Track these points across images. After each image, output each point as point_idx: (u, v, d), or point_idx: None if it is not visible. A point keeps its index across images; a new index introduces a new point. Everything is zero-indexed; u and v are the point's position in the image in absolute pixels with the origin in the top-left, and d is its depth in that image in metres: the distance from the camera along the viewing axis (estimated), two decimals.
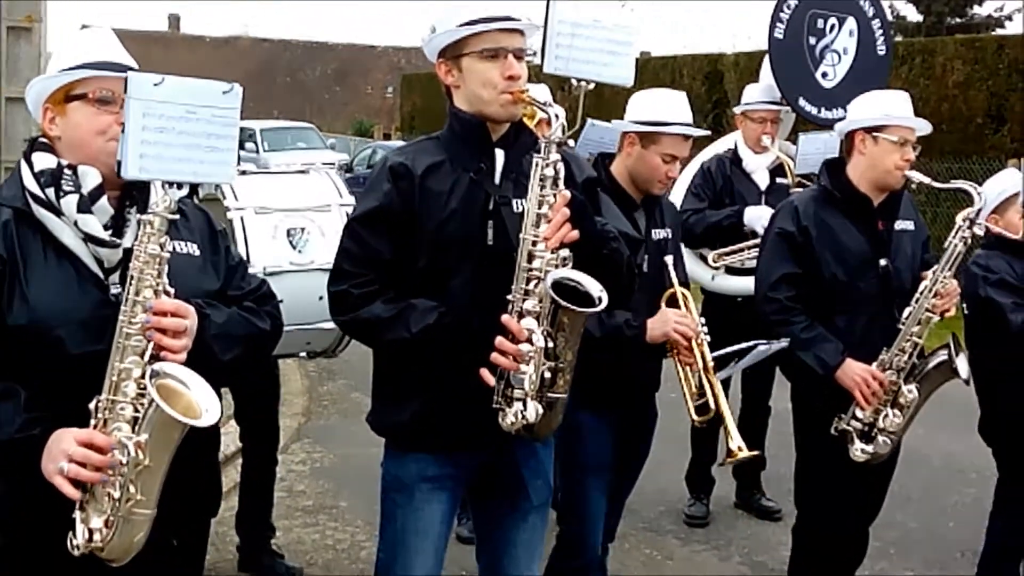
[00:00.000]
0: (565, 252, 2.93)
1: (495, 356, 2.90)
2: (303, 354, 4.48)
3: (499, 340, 2.90)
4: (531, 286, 2.92)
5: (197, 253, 2.71)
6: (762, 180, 5.93)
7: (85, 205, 2.52)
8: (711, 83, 20.26)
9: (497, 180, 3.11)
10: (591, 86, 3.32)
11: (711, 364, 4.00)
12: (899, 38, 21.66)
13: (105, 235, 2.53)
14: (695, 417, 4.09)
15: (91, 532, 2.39)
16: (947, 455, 7.08)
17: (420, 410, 3.10)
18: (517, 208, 3.05)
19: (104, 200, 2.55)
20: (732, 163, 5.99)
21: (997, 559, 4.70)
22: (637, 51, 3.35)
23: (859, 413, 4.00)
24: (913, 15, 31.79)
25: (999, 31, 29.50)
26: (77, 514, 2.40)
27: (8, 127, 7.64)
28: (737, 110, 6.22)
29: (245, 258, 4.06)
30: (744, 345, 4.11)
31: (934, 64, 16.18)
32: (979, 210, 3.93)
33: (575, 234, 2.93)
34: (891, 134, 4.02)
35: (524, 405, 2.93)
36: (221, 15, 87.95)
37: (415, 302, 3.02)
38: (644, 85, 4.19)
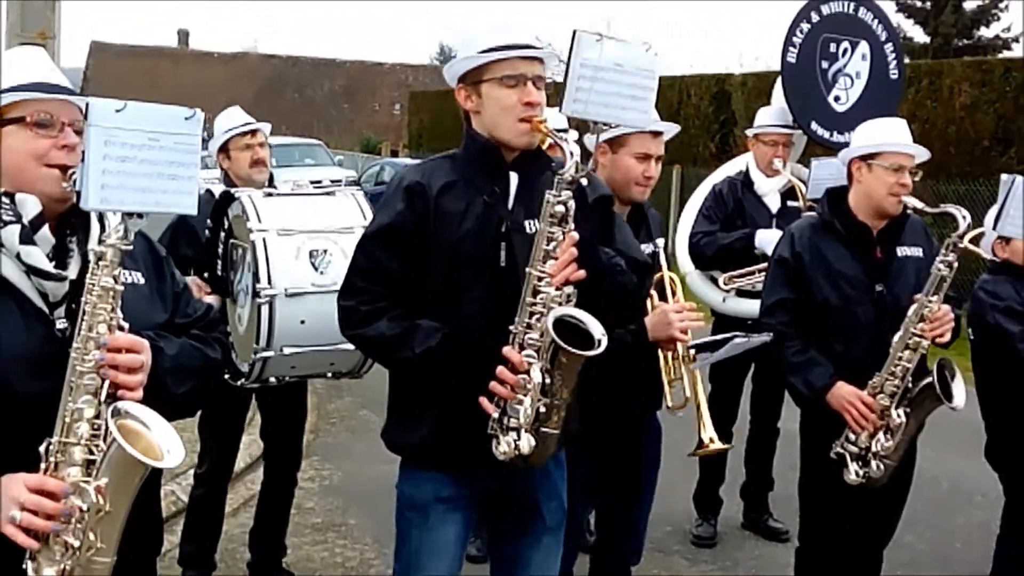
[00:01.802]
0: (569, 289, 2.98)
1: (494, 385, 2.94)
2: (329, 375, 4.50)
3: (500, 370, 2.94)
4: (533, 320, 2.97)
5: (142, 282, 2.59)
6: (773, 203, 5.95)
7: (28, 236, 2.38)
8: (719, 103, 20.32)
9: (510, 204, 3.15)
10: (607, 128, 3.36)
11: (692, 353, 3.96)
12: (906, 60, 21.68)
13: (50, 267, 2.40)
14: (669, 404, 4.06)
15: None
16: (955, 477, 7.09)
17: (433, 429, 3.12)
18: (529, 230, 3.09)
19: (46, 230, 2.42)
20: (744, 186, 6.01)
21: None
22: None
23: (852, 436, 4.04)
24: (920, 36, 31.89)
25: (1006, 53, 29.58)
26: (28, 564, 2.26)
27: None
28: (749, 133, 6.25)
29: (266, 280, 4.10)
30: (721, 336, 4.11)
31: (941, 86, 16.21)
32: (963, 234, 3.94)
33: (580, 273, 2.97)
34: (884, 160, 4.06)
35: (518, 435, 2.97)
36: (230, 31, 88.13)
37: (420, 323, 3.05)
38: None
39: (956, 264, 3.92)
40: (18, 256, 2.38)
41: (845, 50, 6.49)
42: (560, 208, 2.96)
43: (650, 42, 3.25)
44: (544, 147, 3.36)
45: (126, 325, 2.35)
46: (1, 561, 2.28)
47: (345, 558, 5.76)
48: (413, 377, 3.13)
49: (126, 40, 52.56)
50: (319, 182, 22.18)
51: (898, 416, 3.99)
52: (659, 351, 4.04)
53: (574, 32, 3.14)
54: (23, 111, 2.43)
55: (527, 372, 2.92)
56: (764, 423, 6.23)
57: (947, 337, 4.00)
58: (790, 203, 5.93)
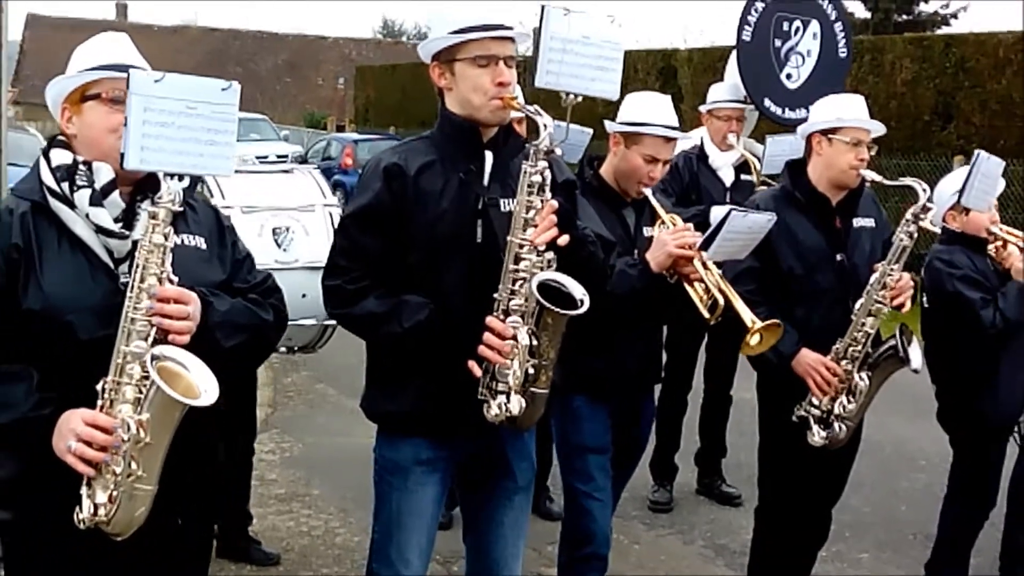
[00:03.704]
0: (550, 255, 3.09)
1: (482, 349, 3.05)
2: (283, 348, 4.59)
3: (487, 336, 3.05)
4: (516, 286, 3.08)
5: (204, 246, 2.83)
6: (727, 177, 6.13)
7: (96, 199, 2.64)
8: (665, 78, 20.45)
9: (486, 181, 3.25)
10: (579, 99, 3.49)
11: (709, 262, 3.95)
12: None
13: (114, 227, 2.65)
14: (707, 316, 4.03)
15: (96, 507, 2.50)
16: (898, 442, 7.33)
17: (417, 398, 3.21)
18: (504, 208, 3.20)
19: (116, 194, 2.66)
20: (698, 160, 6.17)
21: (951, 544, 4.92)
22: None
23: (815, 401, 4.17)
24: (861, 12, 32.23)
25: (945, 29, 30.03)
26: (84, 489, 2.51)
27: None
28: (703, 108, 6.40)
29: None
30: (718, 223, 3.98)
31: (883, 62, 16.49)
32: (923, 206, 4.08)
33: (564, 237, 3.08)
34: (844, 135, 4.19)
35: (508, 398, 3.08)
36: (169, 4, 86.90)
37: (407, 298, 3.15)
38: None
39: (916, 234, 4.07)
40: (87, 217, 2.63)
41: (797, 29, 6.66)
42: (537, 178, 3.08)
43: (614, 15, 3.37)
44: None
45: (175, 279, 2.57)
46: (64, 485, 2.52)
47: (311, 527, 5.85)
48: (398, 349, 3.22)
49: (64, 13, 51.60)
50: (265, 157, 22.07)
51: (861, 379, 4.15)
52: (685, 287, 4.01)
53: (543, 7, 3.24)
54: (100, 88, 2.71)
55: (514, 337, 3.04)
56: (717, 392, 6.40)
57: (908, 305, 4.15)
58: (743, 176, 6.10)
